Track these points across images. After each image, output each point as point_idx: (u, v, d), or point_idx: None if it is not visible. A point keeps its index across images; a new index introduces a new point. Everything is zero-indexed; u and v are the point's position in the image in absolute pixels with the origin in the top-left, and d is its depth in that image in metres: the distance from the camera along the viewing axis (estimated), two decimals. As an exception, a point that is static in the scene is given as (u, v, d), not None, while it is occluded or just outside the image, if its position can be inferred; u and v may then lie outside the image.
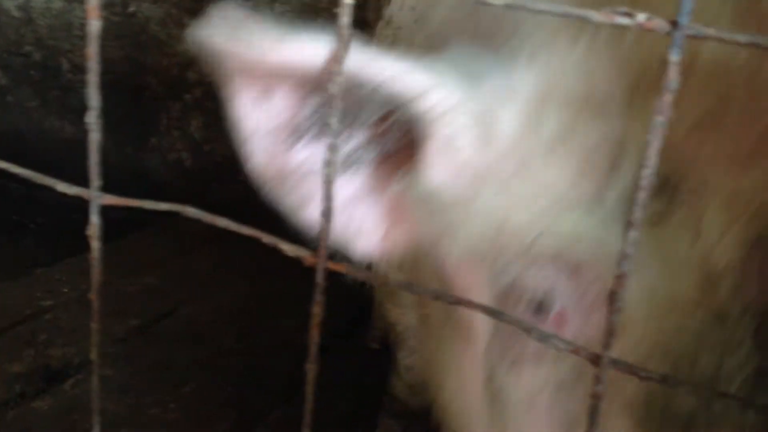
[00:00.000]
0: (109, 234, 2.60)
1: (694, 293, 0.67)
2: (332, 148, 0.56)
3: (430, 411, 1.85)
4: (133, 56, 3.49)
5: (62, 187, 0.65)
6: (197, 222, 2.47)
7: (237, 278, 2.77)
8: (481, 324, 0.84)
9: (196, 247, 3.01)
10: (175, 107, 3.48)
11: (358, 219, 0.86)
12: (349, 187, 0.83)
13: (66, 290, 2.51)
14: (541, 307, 0.75)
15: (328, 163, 0.56)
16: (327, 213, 0.58)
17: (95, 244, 0.66)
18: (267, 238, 0.62)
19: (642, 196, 0.50)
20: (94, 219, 0.65)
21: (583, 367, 0.72)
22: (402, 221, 0.86)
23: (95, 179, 0.64)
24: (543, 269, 0.74)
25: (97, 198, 0.65)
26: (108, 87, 2.74)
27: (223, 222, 0.63)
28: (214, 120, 3.41)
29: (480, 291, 0.82)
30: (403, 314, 1.68)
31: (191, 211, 0.63)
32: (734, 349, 0.66)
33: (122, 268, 2.79)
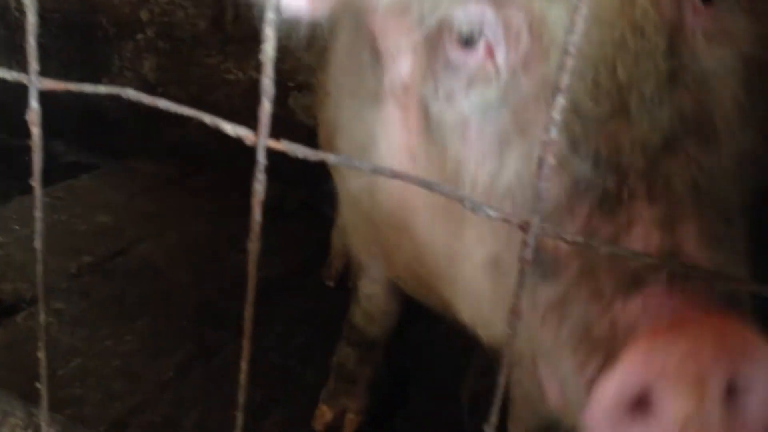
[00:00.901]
0: (61, 176, 2.57)
1: (613, 9, 0.79)
2: None
3: (387, 340, 1.89)
4: (83, -5, 3.41)
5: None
6: (150, 164, 2.49)
7: (190, 218, 2.76)
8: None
9: (148, 189, 3.00)
10: (128, 47, 3.41)
11: None
12: None
13: (17, 227, 2.49)
14: (469, 42, 0.85)
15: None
16: (267, 91, 0.59)
17: (35, 130, 0.66)
18: (208, 119, 0.63)
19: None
20: (34, 104, 0.65)
21: (506, 92, 0.84)
22: None
23: (33, 63, 0.64)
24: (470, 4, 0.83)
25: (35, 82, 0.65)
26: (58, 27, 2.72)
27: (163, 104, 0.63)
28: (168, 61, 3.36)
29: (407, 41, 0.91)
30: (364, 243, 1.70)
31: (131, 93, 0.63)
32: (649, 57, 0.79)
33: (75, 208, 2.78)
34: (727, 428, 0.64)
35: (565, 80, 0.47)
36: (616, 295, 0.68)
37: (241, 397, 0.69)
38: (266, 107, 0.59)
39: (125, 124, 3.45)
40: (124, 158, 3.28)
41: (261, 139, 0.60)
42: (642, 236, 0.70)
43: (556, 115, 0.48)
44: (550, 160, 0.50)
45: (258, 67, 3.19)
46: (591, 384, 0.67)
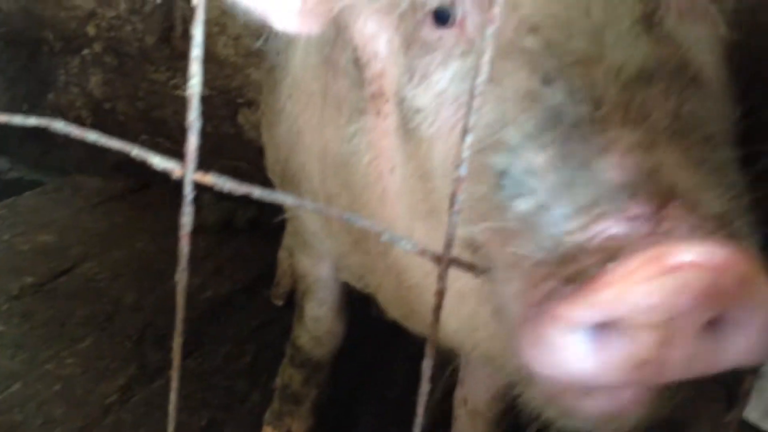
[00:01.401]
0: (4, 193, 2.54)
1: None
2: None
3: (331, 365, 1.89)
4: (29, 9, 3.35)
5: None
6: (95, 180, 2.46)
7: (136, 236, 2.73)
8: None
9: (93, 206, 2.95)
10: (74, 63, 3.36)
11: None
12: None
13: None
14: (442, 17, 0.87)
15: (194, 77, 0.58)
16: (194, 126, 0.60)
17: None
18: (136, 152, 0.63)
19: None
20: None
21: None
22: None
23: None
24: None
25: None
26: (3, 41, 2.67)
27: (92, 136, 0.63)
28: (115, 76, 3.32)
29: (385, 36, 0.94)
30: (314, 265, 1.69)
31: (59, 125, 0.63)
32: (623, 2, 0.79)
33: (17, 226, 2.72)
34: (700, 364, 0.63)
35: (471, 121, 0.48)
36: (594, 213, 0.65)
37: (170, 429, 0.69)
38: (192, 142, 0.59)
39: (70, 139, 3.39)
40: (69, 174, 3.23)
41: (188, 173, 0.61)
42: (618, 158, 0.68)
43: (466, 152, 0.49)
44: (461, 196, 0.52)
45: (207, 82, 3.18)
46: (545, 300, 0.64)
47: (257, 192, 0.59)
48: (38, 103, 3.47)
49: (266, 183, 1.66)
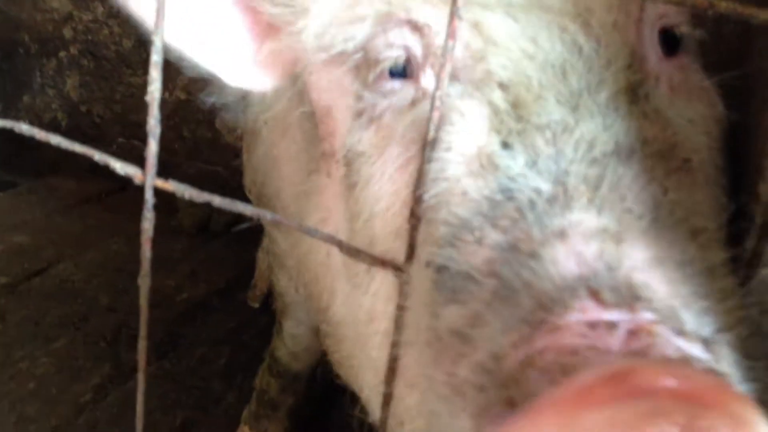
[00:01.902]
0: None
1: (566, 12, 0.74)
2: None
3: (309, 373, 1.90)
4: (4, 11, 3.35)
5: None
6: (70, 182, 2.48)
7: (111, 238, 2.74)
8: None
9: (68, 208, 2.96)
10: (50, 65, 3.37)
11: (228, 41, 0.91)
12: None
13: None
14: (395, 74, 0.81)
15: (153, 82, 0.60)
16: (154, 131, 0.62)
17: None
18: (98, 156, 0.65)
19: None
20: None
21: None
22: (271, 34, 0.90)
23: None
24: (396, 32, 0.79)
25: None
26: (-22, 43, 2.59)
27: (56, 139, 0.66)
28: (92, 79, 3.32)
29: (341, 78, 0.87)
30: (291, 285, 1.69)
31: (25, 128, 0.65)
32: (606, 67, 0.72)
33: (-10, 227, 2.73)
34: None
35: (432, 132, 0.51)
36: (540, 323, 0.54)
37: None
38: (153, 147, 0.62)
39: (44, 141, 3.39)
40: (44, 176, 3.24)
41: (149, 179, 0.63)
42: (575, 247, 0.57)
43: (427, 163, 0.52)
44: (419, 214, 0.55)
45: (185, 87, 3.18)
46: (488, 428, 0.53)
47: (217, 200, 0.62)
48: (13, 105, 3.47)
49: (242, 188, 1.68)
